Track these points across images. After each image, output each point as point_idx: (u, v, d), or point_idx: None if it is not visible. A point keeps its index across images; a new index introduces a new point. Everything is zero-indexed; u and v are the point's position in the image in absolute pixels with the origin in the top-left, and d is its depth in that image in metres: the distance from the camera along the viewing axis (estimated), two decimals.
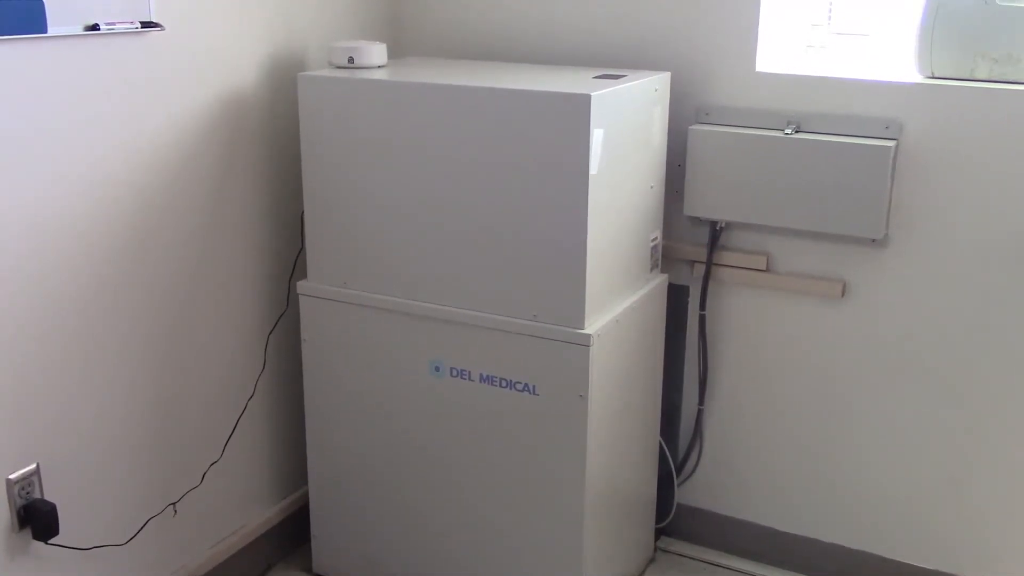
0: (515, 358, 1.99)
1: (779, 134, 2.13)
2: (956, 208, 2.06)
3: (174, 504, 2.13)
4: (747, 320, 2.32)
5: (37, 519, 1.81)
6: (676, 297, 2.36)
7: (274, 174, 2.26)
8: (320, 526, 2.35)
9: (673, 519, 2.52)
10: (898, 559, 2.30)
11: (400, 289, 2.08)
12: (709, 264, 2.31)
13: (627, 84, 1.96)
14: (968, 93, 2.00)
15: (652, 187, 2.15)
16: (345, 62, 2.11)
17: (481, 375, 2.04)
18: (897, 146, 2.06)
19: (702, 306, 2.35)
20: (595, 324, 1.95)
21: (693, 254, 2.33)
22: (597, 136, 1.83)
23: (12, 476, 1.78)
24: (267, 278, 2.29)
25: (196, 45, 2.00)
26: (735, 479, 2.44)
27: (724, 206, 2.22)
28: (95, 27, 1.76)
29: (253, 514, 2.37)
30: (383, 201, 2.04)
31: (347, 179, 2.07)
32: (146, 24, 1.86)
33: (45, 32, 1.68)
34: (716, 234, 2.29)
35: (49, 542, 1.84)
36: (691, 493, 2.50)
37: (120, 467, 2.00)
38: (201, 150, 2.05)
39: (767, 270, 2.26)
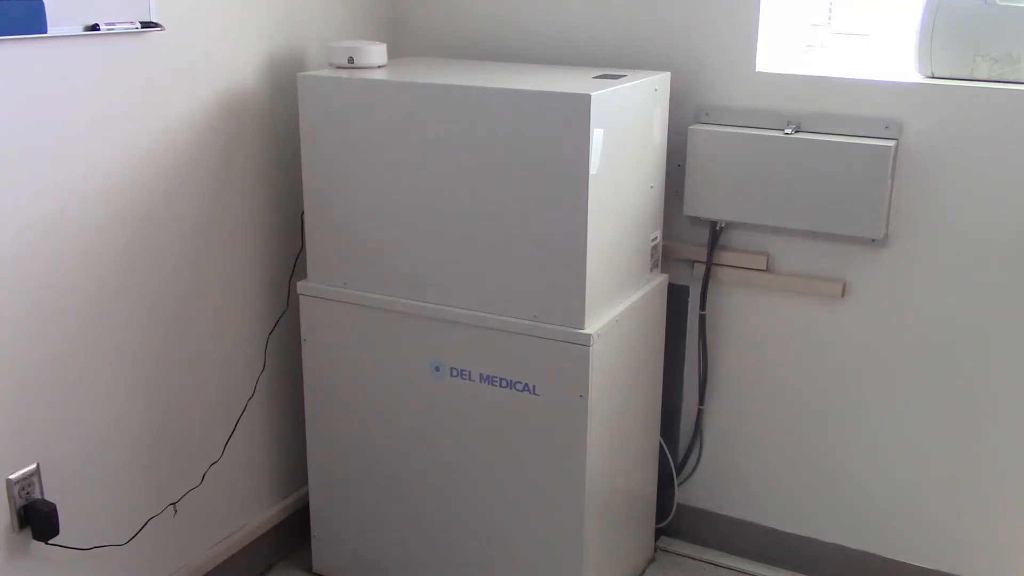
0: (515, 358, 1.99)
1: (779, 134, 2.13)
2: (956, 208, 2.06)
3: (174, 504, 2.13)
4: (747, 320, 2.32)
5: (37, 519, 1.81)
6: (676, 297, 2.36)
7: (274, 174, 2.26)
8: (320, 526, 2.35)
9: (673, 519, 2.52)
10: (898, 559, 2.30)
11: (400, 289, 2.08)
12: (709, 264, 2.31)
13: (627, 84, 1.96)
14: (968, 93, 2.00)
15: (652, 187, 2.15)
16: (345, 62, 2.11)
17: (481, 375, 2.04)
18: (897, 146, 2.06)
19: (702, 306, 2.35)
20: (595, 324, 1.95)
21: (693, 254, 2.33)
22: (597, 136, 1.83)
23: (12, 476, 1.78)
24: (267, 278, 2.29)
25: (196, 45, 2.00)
26: (735, 479, 2.44)
27: (724, 206, 2.22)
28: (95, 27, 1.76)
29: (253, 514, 2.37)
30: (383, 201, 2.04)
31: (347, 179, 2.07)
32: (146, 24, 1.86)
33: (45, 32, 1.68)
34: (716, 234, 2.29)
35: (49, 542, 1.84)
36: (691, 493, 2.50)
37: (120, 467, 2.00)
38: (201, 150, 2.05)
39: (767, 270, 2.26)
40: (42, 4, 1.66)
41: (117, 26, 1.80)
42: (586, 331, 1.92)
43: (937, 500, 2.23)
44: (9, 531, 1.80)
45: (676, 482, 2.49)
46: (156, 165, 1.96)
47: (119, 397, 1.97)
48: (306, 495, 2.40)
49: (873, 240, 2.13)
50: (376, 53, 2.13)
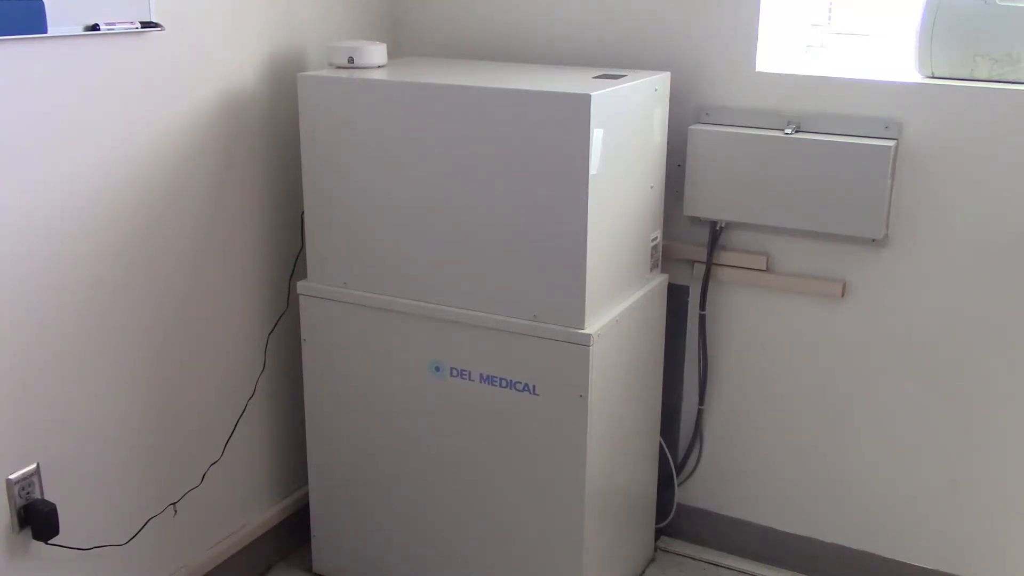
0: (515, 358, 1.99)
1: (779, 134, 2.13)
2: (956, 208, 2.06)
3: (174, 504, 2.13)
4: (747, 320, 2.32)
5: (37, 519, 1.81)
6: (676, 297, 2.36)
7: (274, 174, 2.26)
8: (320, 526, 2.35)
9: (673, 519, 2.52)
10: (898, 559, 2.30)
11: (400, 289, 2.08)
12: (709, 264, 2.31)
13: (627, 84, 1.96)
14: (968, 93, 2.00)
15: (652, 187, 2.15)
16: (345, 62, 2.11)
17: (481, 375, 2.04)
18: (897, 146, 2.06)
19: (702, 306, 2.35)
20: (595, 324, 1.95)
21: (693, 254, 2.33)
22: (597, 136, 1.83)
23: (12, 476, 1.78)
24: (267, 278, 2.29)
25: (196, 45, 2.00)
26: (735, 479, 2.44)
27: (724, 206, 2.22)
28: (95, 27, 1.76)
29: (253, 514, 2.37)
30: (383, 201, 2.04)
31: (347, 179, 2.07)
32: (146, 24, 1.86)
33: (45, 32, 1.68)
34: (716, 234, 2.29)
35: (49, 542, 1.84)
36: (691, 493, 2.50)
37: (120, 467, 2.00)
38: (201, 150, 2.06)
39: (767, 270, 2.26)
40: (42, 4, 1.66)
41: (117, 26, 1.80)
42: (586, 331, 1.92)
43: (937, 500, 2.23)
44: (9, 531, 1.80)
45: (676, 482, 2.49)
46: (156, 165, 1.96)
47: (119, 397, 1.97)
48: (306, 495, 2.40)
49: (873, 240, 2.13)
50: (376, 53, 2.13)
